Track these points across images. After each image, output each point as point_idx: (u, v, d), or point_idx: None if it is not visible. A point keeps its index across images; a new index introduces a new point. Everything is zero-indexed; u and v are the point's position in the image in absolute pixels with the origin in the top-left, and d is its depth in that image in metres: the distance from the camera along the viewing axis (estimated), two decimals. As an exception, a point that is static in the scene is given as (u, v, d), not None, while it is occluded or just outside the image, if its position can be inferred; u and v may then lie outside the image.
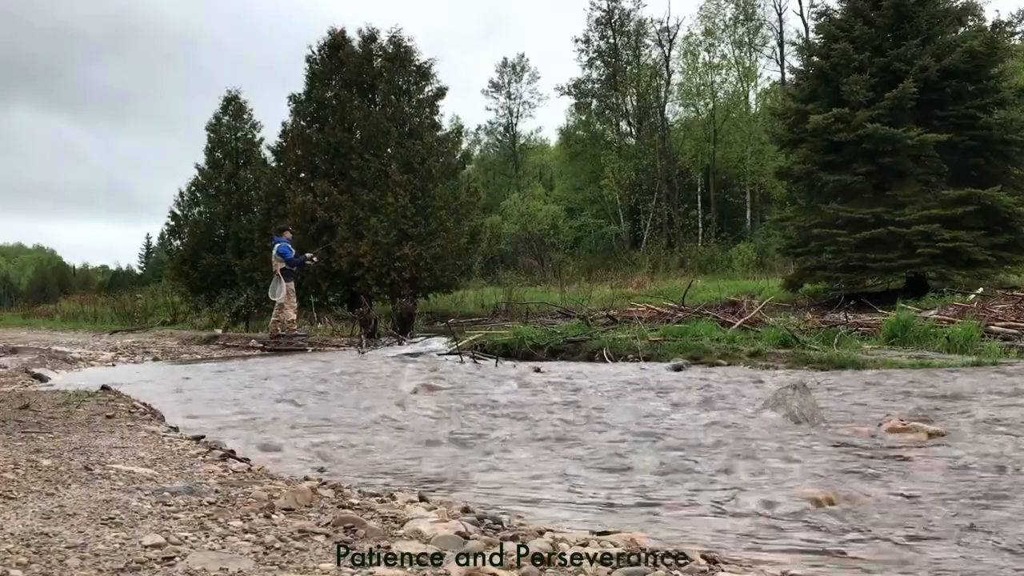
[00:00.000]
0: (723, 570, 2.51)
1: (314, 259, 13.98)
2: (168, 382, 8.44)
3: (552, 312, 16.56)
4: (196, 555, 2.21)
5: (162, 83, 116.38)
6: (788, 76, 30.56)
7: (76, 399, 6.05)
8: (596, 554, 2.49)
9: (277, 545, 2.40)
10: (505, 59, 54.67)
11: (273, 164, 22.20)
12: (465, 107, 74.91)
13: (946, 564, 2.69)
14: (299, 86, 22.52)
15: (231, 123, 26.28)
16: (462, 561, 2.31)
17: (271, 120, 64.80)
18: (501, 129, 50.60)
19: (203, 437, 4.67)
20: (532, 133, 53.08)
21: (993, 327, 10.68)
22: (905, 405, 6.00)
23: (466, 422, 5.73)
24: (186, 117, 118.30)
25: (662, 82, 40.28)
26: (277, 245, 13.35)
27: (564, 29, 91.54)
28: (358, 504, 3.12)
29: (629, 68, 41.18)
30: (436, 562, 2.31)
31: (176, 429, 5.02)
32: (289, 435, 5.21)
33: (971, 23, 17.77)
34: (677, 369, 8.88)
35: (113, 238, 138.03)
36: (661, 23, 45.07)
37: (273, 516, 2.78)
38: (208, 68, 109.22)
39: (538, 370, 9.05)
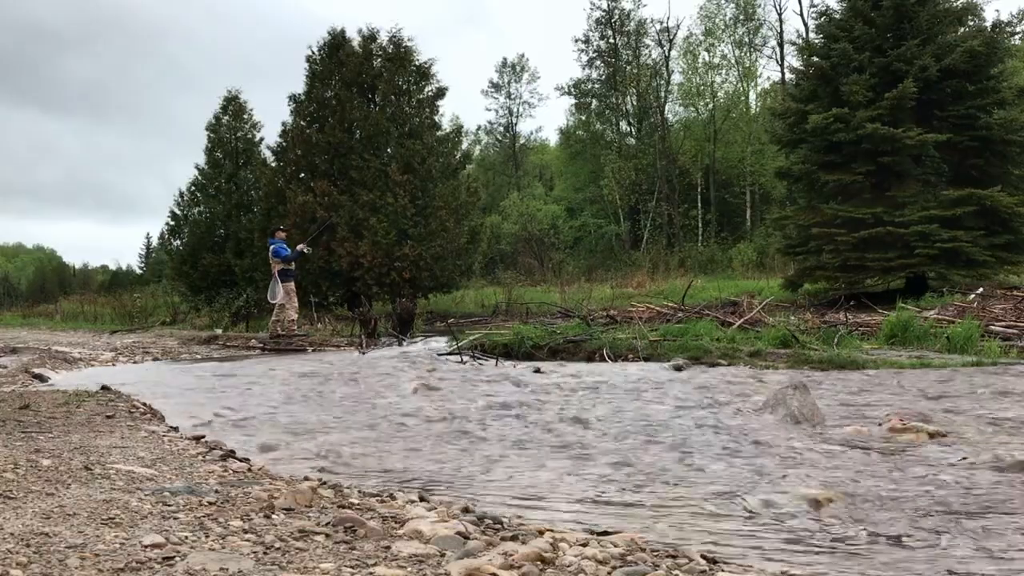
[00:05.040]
0: (723, 570, 2.51)
1: (307, 249, 13.93)
2: (168, 382, 8.43)
3: (552, 312, 16.55)
4: (196, 555, 2.21)
5: (155, 82, 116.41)
6: (788, 76, 30.55)
7: (76, 399, 6.05)
8: (596, 554, 2.49)
9: (277, 545, 2.40)
10: (505, 59, 54.75)
11: (273, 164, 22.23)
12: (453, 104, 74.96)
13: (947, 564, 2.69)
14: (293, 85, 22.59)
15: (231, 123, 26.31)
16: (462, 561, 2.30)
17: (268, 120, 64.79)
18: (501, 129, 50.67)
19: (203, 437, 4.67)
20: (532, 133, 53.15)
21: (993, 327, 10.68)
22: (905, 405, 6.00)
23: (466, 422, 5.73)
24: (180, 116, 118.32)
25: (662, 82, 40.27)
26: (272, 246, 13.36)
27: (562, 29, 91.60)
28: (358, 504, 3.12)
29: (629, 68, 41.16)
30: (436, 562, 2.31)
31: (176, 429, 5.02)
32: (289, 435, 5.21)
33: (971, 23, 17.77)
34: (677, 369, 8.88)
35: (110, 238, 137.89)
36: (661, 23, 45.04)
37: (273, 516, 2.78)
38: (203, 67, 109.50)
39: (538, 370, 9.04)
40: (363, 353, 11.60)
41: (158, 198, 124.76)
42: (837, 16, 18.24)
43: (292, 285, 13.41)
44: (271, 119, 71.89)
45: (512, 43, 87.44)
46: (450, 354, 11.01)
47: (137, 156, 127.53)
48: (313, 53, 21.54)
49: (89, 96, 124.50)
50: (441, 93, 21.73)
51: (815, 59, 18.34)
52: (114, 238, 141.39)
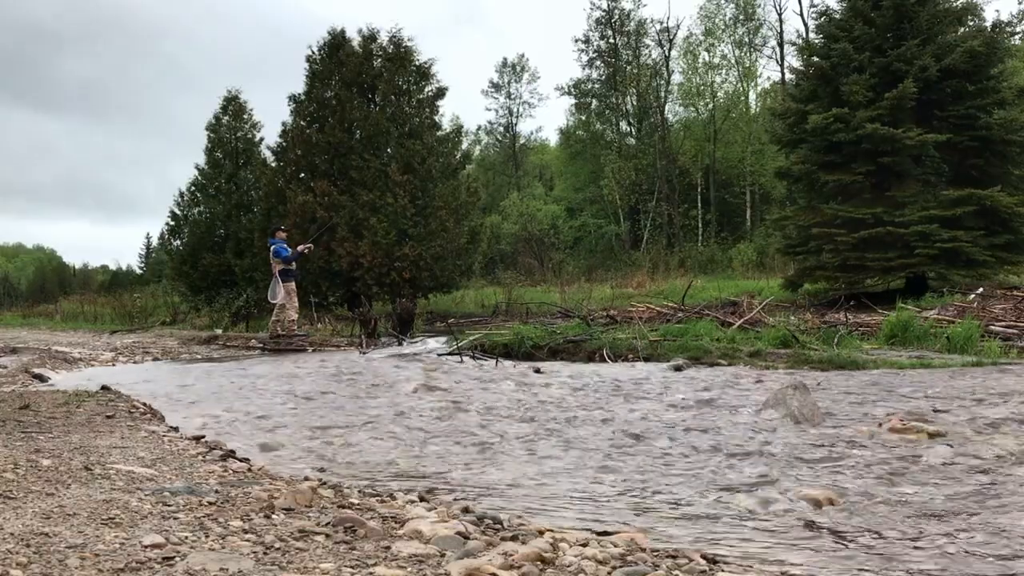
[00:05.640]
0: (723, 570, 2.51)
1: (308, 249, 13.88)
2: (168, 382, 8.43)
3: (552, 312, 16.56)
4: (196, 555, 2.21)
5: (155, 82, 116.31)
6: (788, 76, 30.57)
7: (76, 399, 6.05)
8: (596, 554, 2.49)
9: (277, 545, 2.40)
10: (505, 59, 54.78)
11: (273, 164, 22.24)
12: (453, 104, 74.97)
13: (946, 564, 2.69)
14: (293, 85, 22.63)
15: (231, 123, 26.32)
16: (462, 561, 2.30)
17: (268, 120, 64.77)
18: (501, 129, 50.68)
19: (203, 437, 4.67)
20: (532, 133, 53.16)
21: (993, 327, 10.68)
22: (905, 405, 6.00)
23: (466, 422, 5.73)
24: (180, 116, 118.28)
25: (662, 82, 40.28)
26: (273, 246, 13.32)
27: (562, 29, 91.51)
28: (358, 504, 3.12)
29: (629, 68, 41.17)
30: (436, 562, 2.31)
31: (176, 429, 5.01)
32: (289, 435, 5.21)
33: (971, 23, 17.77)
34: (677, 369, 8.88)
35: (110, 238, 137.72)
36: (661, 23, 45.04)
37: (273, 516, 2.78)
38: (203, 67, 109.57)
39: (538, 370, 9.04)
40: (363, 353, 11.60)
41: (158, 198, 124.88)
42: (837, 16, 18.25)
43: (292, 285, 13.39)
44: (271, 119, 71.96)
45: (512, 43, 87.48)
46: (450, 354, 11.01)
47: (137, 156, 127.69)
48: (313, 53, 21.56)
49: (89, 96, 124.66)
50: (441, 93, 21.74)
51: (815, 59, 18.35)
52: (114, 238, 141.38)
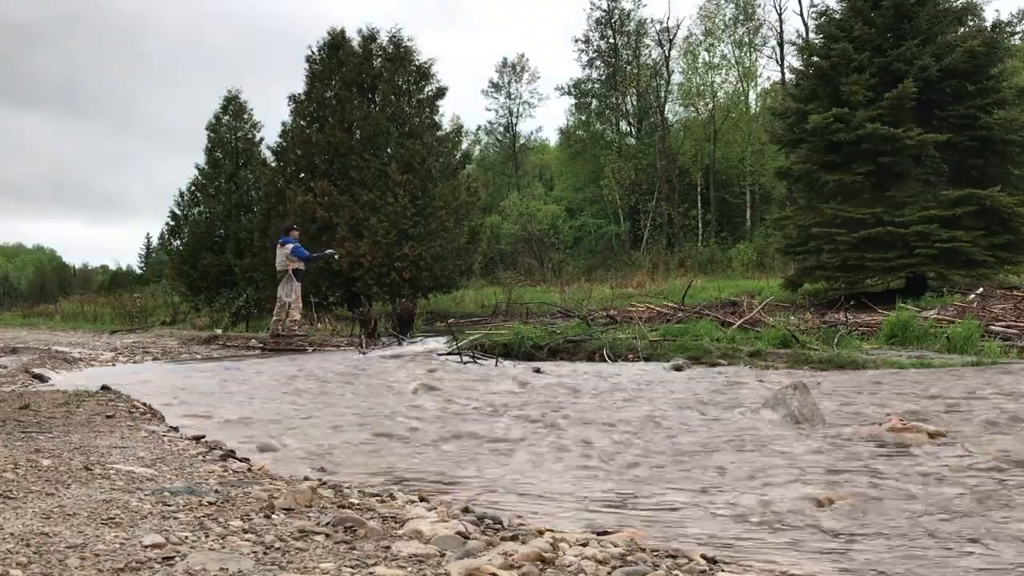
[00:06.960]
0: (723, 570, 2.51)
1: (336, 256, 13.74)
2: (168, 382, 8.43)
3: (552, 312, 16.55)
4: (196, 555, 2.21)
5: (156, 82, 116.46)
6: (788, 76, 30.54)
7: (76, 399, 6.04)
8: (596, 554, 2.49)
9: (277, 545, 2.40)
10: (505, 59, 54.68)
11: (273, 164, 22.22)
12: (453, 104, 74.83)
13: (946, 564, 2.69)
14: (292, 85, 22.63)
15: (231, 123, 26.31)
16: (462, 561, 2.30)
17: (267, 120, 64.70)
18: (501, 129, 50.65)
19: (203, 437, 4.67)
20: (532, 133, 53.10)
21: (993, 327, 10.68)
22: (905, 405, 6.00)
23: (466, 422, 5.73)
24: (180, 116, 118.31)
25: (662, 82, 40.27)
26: (290, 245, 13.21)
27: (561, 29, 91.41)
28: (358, 504, 3.12)
29: (629, 68, 41.16)
30: (436, 562, 2.31)
31: (176, 429, 5.01)
32: (289, 435, 5.21)
33: (971, 23, 17.77)
34: (677, 369, 8.88)
35: (109, 238, 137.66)
36: (661, 23, 45.02)
37: (273, 516, 2.78)
38: (202, 67, 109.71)
39: (538, 370, 9.05)
40: (363, 353, 11.60)
41: (157, 198, 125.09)
42: (837, 16, 18.24)
43: (299, 285, 13.41)
44: (271, 119, 72.00)
45: (512, 43, 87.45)
46: (450, 354, 11.01)
47: (137, 156, 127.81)
48: (313, 53, 21.55)
49: (88, 95, 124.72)
50: (441, 93, 21.72)
51: (815, 59, 18.34)
52: (114, 238, 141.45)
